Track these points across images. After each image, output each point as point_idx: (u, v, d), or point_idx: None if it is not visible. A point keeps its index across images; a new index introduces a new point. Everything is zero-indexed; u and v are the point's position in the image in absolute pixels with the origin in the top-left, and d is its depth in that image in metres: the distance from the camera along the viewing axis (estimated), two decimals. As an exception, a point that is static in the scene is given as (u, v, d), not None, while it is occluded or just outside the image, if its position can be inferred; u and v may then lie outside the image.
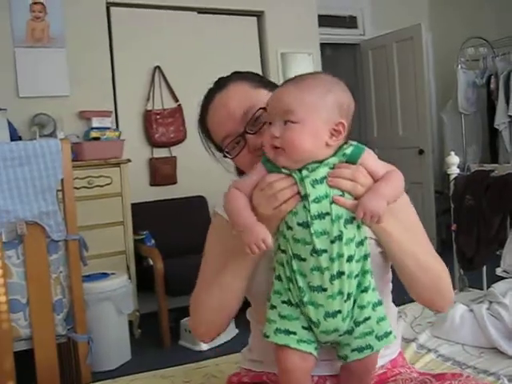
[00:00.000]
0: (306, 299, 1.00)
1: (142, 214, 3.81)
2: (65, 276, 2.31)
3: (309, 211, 0.97)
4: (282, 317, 1.03)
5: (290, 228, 1.00)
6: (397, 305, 1.33)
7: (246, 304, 1.22)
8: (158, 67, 4.10)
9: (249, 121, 1.13)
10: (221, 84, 1.21)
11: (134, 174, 3.74)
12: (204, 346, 3.23)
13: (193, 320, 1.22)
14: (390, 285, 1.24)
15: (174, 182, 4.14)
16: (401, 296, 1.38)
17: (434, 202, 5.36)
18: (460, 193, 2.87)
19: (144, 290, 3.64)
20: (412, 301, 1.27)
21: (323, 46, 5.00)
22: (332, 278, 0.98)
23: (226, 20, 4.40)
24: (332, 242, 0.97)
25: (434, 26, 5.88)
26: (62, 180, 2.25)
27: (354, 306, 1.01)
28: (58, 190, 2.30)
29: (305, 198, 0.98)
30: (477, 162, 4.87)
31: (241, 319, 1.36)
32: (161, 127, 4.07)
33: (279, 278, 1.03)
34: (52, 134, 3.62)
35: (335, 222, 0.97)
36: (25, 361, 2.37)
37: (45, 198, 2.16)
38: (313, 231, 0.97)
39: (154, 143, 4.08)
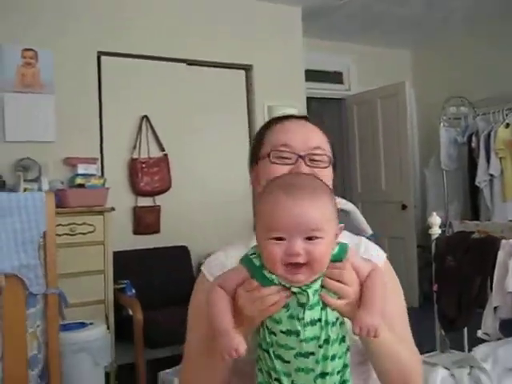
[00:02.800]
0: None
1: (124, 262, 3.77)
2: (42, 330, 2.26)
3: (302, 319, 0.97)
4: None
5: (272, 333, 0.99)
6: None
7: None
8: (145, 116, 4.14)
9: (313, 154, 1.21)
10: (299, 116, 1.30)
11: (117, 221, 3.72)
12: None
13: None
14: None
15: (158, 231, 4.12)
16: None
17: (417, 256, 5.39)
18: (441, 253, 2.90)
19: (122, 340, 3.57)
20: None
21: (309, 99, 5.10)
22: (316, 378, 0.98)
23: (215, 72, 4.48)
24: (320, 346, 0.97)
25: (417, 84, 6.04)
26: (45, 232, 2.23)
27: None
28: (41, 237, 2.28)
29: (302, 306, 0.97)
30: (458, 218, 4.93)
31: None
32: (146, 176, 4.08)
33: (261, 371, 1.03)
34: (37, 179, 3.60)
35: (324, 327, 0.97)
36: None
37: (26, 250, 2.13)
38: (303, 338, 0.96)
39: (138, 192, 4.07)
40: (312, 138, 1.22)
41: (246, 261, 1.02)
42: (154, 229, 4.10)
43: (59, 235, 3.09)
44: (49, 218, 2.20)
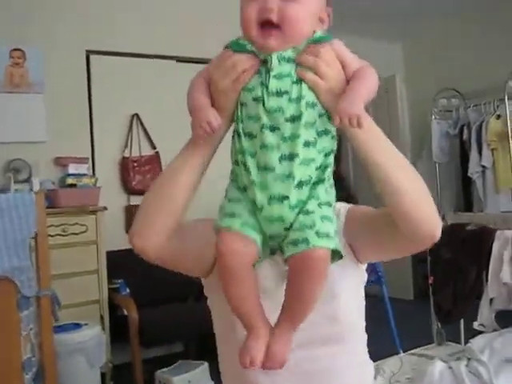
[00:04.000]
0: (252, 179, 0.94)
1: (117, 262, 3.74)
2: (35, 333, 2.24)
3: (266, 87, 0.92)
4: (230, 200, 0.98)
5: (243, 104, 0.94)
6: (374, 359, 1.23)
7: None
8: (136, 115, 4.11)
9: None
10: None
11: (110, 221, 3.70)
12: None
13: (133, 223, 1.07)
14: (365, 335, 1.17)
15: (151, 230, 4.09)
16: (379, 350, 1.35)
17: (411, 251, 5.38)
18: (437, 246, 2.88)
19: (118, 340, 3.55)
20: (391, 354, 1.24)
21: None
22: (282, 158, 0.92)
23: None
24: (286, 120, 0.91)
25: (408, 78, 6.04)
26: (36, 233, 2.21)
27: (307, 199, 0.94)
28: (32, 238, 2.26)
29: (266, 72, 0.92)
30: (451, 210, 4.93)
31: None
32: (138, 174, 4.05)
33: (236, 162, 0.98)
34: (27, 180, 3.58)
35: (293, 101, 0.92)
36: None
37: (17, 252, 2.11)
38: (268, 107, 0.91)
39: (130, 190, 4.05)
40: None
41: (232, 43, 0.97)
42: (147, 227, 4.07)
43: (51, 236, 3.08)
44: (39, 219, 2.18)
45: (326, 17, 0.99)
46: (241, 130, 0.95)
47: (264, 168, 0.93)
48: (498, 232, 2.67)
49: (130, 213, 4.04)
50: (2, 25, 3.69)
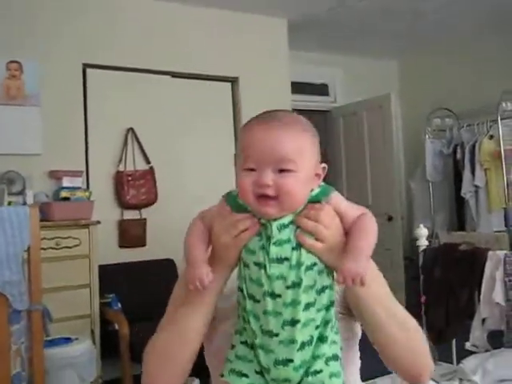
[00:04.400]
0: (257, 342, 0.95)
1: (110, 276, 3.73)
2: (26, 347, 2.22)
3: (267, 253, 0.94)
4: (238, 357, 0.98)
5: (246, 266, 0.96)
6: (364, 379, 1.23)
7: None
8: (131, 129, 4.11)
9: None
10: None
11: (103, 235, 3.68)
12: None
13: (143, 372, 1.08)
14: (358, 362, 1.18)
15: (144, 245, 4.08)
16: (370, 369, 1.34)
17: (404, 268, 5.39)
18: (429, 265, 2.90)
19: (108, 355, 3.52)
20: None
21: (295, 111, 5.10)
22: (284, 324, 0.94)
23: (200, 84, 4.47)
24: (288, 287, 0.93)
25: (403, 96, 6.08)
26: (29, 247, 2.20)
27: (312, 358, 0.95)
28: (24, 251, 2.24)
29: (267, 239, 0.95)
30: (444, 229, 4.95)
31: None
32: (132, 189, 4.04)
33: (243, 318, 0.99)
34: (21, 192, 3.57)
35: (294, 268, 0.93)
36: None
37: (10, 266, 2.10)
38: (269, 274, 0.93)
39: (124, 205, 4.04)
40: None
41: (226, 195, 1.01)
42: (140, 242, 4.06)
43: (44, 249, 3.06)
44: (33, 233, 2.17)
45: (321, 171, 1.00)
46: (245, 292, 0.97)
47: (267, 332, 0.95)
48: (491, 252, 2.68)
49: (124, 227, 4.03)
50: (-2, 37, 3.71)
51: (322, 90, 5.95)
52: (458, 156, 5.11)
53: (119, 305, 3.61)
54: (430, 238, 3.18)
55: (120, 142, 4.09)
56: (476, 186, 4.91)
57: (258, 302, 0.95)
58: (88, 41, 4.01)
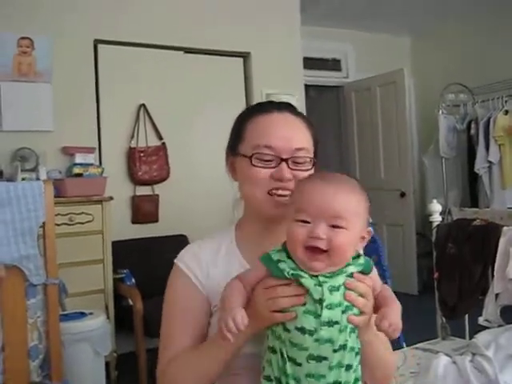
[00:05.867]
0: None
1: (123, 252, 3.76)
2: (42, 321, 2.24)
3: (319, 316, 0.94)
4: None
5: (287, 330, 0.96)
6: None
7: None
8: (143, 105, 4.11)
9: (296, 157, 1.15)
10: (282, 107, 1.22)
11: (115, 211, 3.71)
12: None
13: None
14: None
15: (156, 220, 4.10)
16: None
17: (416, 244, 5.38)
18: (442, 241, 2.89)
19: (122, 329, 3.57)
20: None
21: (307, 87, 5.07)
22: None
23: (212, 60, 4.44)
24: (335, 350, 0.95)
25: (416, 72, 6.01)
26: (44, 222, 2.21)
27: None
28: (40, 226, 2.26)
29: (319, 302, 0.95)
30: (457, 205, 4.92)
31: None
32: (144, 165, 4.05)
33: (268, 378, 0.99)
34: (34, 169, 3.58)
35: (343, 331, 0.95)
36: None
37: (25, 240, 2.11)
38: (318, 337, 0.94)
39: (136, 181, 4.05)
40: (295, 138, 1.17)
41: (263, 257, 1.01)
42: (152, 218, 4.08)
43: (58, 225, 3.06)
44: (48, 208, 2.18)
45: (366, 235, 1.04)
46: (285, 354, 0.96)
47: None
48: (505, 228, 2.65)
49: (136, 203, 4.05)
50: (10, 13, 3.69)
51: (334, 65, 5.90)
52: (472, 132, 5.06)
53: (133, 280, 3.65)
54: (442, 214, 3.16)
55: (132, 119, 4.09)
56: (490, 162, 4.87)
57: (300, 365, 0.95)
58: (99, 16, 3.99)
